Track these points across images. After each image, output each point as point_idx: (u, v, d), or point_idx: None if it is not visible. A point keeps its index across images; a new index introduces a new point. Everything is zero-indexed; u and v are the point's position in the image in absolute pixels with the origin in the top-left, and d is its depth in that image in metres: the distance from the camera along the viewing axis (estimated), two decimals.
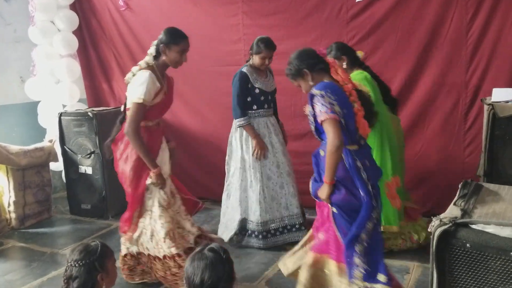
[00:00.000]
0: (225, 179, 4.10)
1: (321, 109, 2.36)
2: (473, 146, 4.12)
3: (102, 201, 4.87)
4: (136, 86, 2.95)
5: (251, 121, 3.90)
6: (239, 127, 3.89)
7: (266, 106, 3.95)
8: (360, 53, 3.58)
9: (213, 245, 1.97)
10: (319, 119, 2.39)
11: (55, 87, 5.38)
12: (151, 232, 3.14)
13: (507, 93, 3.47)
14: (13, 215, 4.65)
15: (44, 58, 5.24)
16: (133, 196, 3.11)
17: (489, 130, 3.41)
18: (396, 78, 4.28)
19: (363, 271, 2.41)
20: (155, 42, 3.07)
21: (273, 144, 3.94)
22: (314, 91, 2.42)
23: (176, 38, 3.02)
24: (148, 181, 3.08)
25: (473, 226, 1.78)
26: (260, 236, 3.88)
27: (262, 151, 3.85)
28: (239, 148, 3.94)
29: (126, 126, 2.98)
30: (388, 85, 3.81)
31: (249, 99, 3.87)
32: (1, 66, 5.26)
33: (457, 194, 2.07)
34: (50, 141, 5.01)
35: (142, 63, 3.05)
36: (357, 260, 2.43)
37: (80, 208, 4.98)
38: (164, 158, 3.19)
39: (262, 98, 3.91)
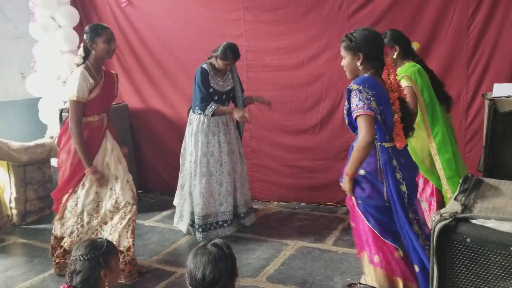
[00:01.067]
0: (179, 171, 4.29)
1: (357, 104, 2.33)
2: (474, 141, 4.12)
3: None
4: (70, 84, 3.19)
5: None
6: (213, 115, 4.02)
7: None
8: (415, 45, 3.39)
9: (216, 240, 1.96)
10: (354, 114, 2.36)
11: (56, 83, 5.37)
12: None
13: (508, 88, 3.45)
14: (14, 211, 4.66)
15: (45, 54, 5.23)
16: (62, 186, 3.38)
17: (490, 125, 3.38)
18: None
19: None
20: (82, 44, 3.28)
21: (220, 143, 4.10)
22: (352, 85, 2.38)
23: (97, 30, 3.22)
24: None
25: (474, 221, 1.78)
26: (200, 229, 4.08)
27: (244, 119, 4.05)
28: (190, 142, 4.13)
29: (69, 123, 3.22)
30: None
31: (211, 90, 4.04)
32: (2, 62, 5.26)
33: (457, 189, 2.06)
34: (51, 137, 5.02)
35: (73, 66, 3.29)
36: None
37: None
38: (102, 154, 3.37)
39: (216, 97, 4.06)
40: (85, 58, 3.26)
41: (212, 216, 4.13)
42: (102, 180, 3.31)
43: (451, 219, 1.78)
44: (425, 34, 4.14)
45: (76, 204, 3.37)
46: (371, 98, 2.32)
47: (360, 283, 1.64)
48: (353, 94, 2.37)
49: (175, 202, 4.36)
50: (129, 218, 3.33)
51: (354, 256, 3.60)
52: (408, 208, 2.45)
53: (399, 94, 2.49)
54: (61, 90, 5.34)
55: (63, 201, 3.42)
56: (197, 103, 4.04)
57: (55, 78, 5.38)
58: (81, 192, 3.34)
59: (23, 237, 4.38)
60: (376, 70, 2.48)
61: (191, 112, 4.19)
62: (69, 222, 3.42)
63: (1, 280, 3.52)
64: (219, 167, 4.09)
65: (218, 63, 4.03)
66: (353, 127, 2.49)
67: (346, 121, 2.54)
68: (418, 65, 3.25)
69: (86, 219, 3.38)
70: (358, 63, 2.46)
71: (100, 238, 2.26)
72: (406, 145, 2.59)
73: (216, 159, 4.08)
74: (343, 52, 2.53)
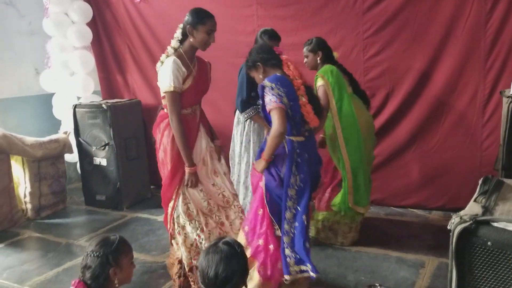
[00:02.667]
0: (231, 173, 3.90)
1: (270, 99, 2.59)
2: (491, 139, 4.05)
3: (117, 192, 4.90)
4: (164, 75, 2.86)
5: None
6: (247, 119, 3.73)
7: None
8: (335, 54, 3.80)
9: (227, 238, 1.96)
10: (268, 108, 2.62)
11: (70, 79, 5.40)
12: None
13: None
14: (29, 206, 4.70)
15: (58, 50, 5.26)
16: (169, 182, 2.96)
17: (508, 123, 3.33)
18: (412, 69, 4.21)
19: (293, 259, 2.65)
20: (181, 25, 2.94)
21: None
22: (266, 82, 2.64)
23: (203, 18, 2.89)
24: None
25: (495, 224, 1.74)
26: None
27: None
28: (239, 143, 3.85)
29: (170, 117, 2.87)
30: (401, 78, 4.01)
31: (253, 93, 3.62)
32: (17, 58, 5.29)
33: (477, 191, 2.03)
34: (65, 132, 5.05)
35: (169, 48, 2.97)
36: (287, 251, 2.66)
37: (94, 199, 5.03)
38: (199, 150, 3.03)
39: (253, 94, 3.69)
40: (182, 42, 2.94)
41: None
42: (197, 182, 2.95)
43: (471, 221, 1.75)
44: (442, 29, 4.07)
45: (188, 208, 2.96)
46: (283, 94, 2.60)
47: (380, 285, 1.62)
48: (266, 91, 2.62)
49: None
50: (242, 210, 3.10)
51: (367, 255, 3.58)
52: (291, 197, 2.69)
53: (301, 81, 2.78)
54: (74, 86, 5.38)
55: (169, 211, 3.00)
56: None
57: (69, 74, 5.41)
58: (187, 192, 2.96)
59: (38, 231, 4.42)
60: (280, 68, 2.76)
61: (237, 111, 3.86)
62: (187, 229, 2.98)
63: (16, 274, 3.56)
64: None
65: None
66: (268, 121, 2.72)
67: (261, 115, 2.84)
68: (333, 66, 3.62)
69: (203, 220, 2.96)
70: (261, 72, 2.78)
71: (114, 235, 2.20)
72: (315, 141, 2.97)
73: None
74: (250, 74, 2.89)
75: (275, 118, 2.57)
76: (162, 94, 2.93)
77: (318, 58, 3.69)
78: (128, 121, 5.01)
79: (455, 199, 4.17)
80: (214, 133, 3.22)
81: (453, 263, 1.78)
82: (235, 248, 1.91)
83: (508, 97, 3.34)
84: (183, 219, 2.95)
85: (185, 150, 2.87)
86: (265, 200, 2.74)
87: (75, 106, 4.97)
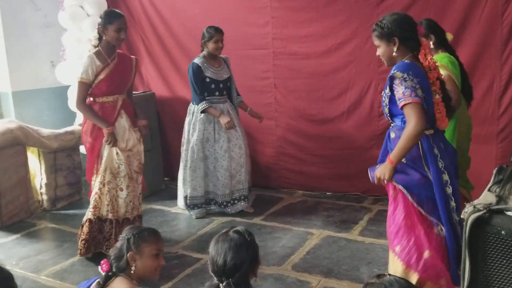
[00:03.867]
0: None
1: (404, 92, 2.28)
2: (506, 131, 4.00)
3: None
4: (80, 67, 3.40)
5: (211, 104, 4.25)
6: (202, 112, 4.20)
7: (217, 93, 4.28)
8: (449, 36, 3.38)
9: (238, 227, 1.97)
10: (401, 103, 2.31)
11: None
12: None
13: None
14: (45, 197, 4.77)
15: (74, 42, 5.28)
16: (89, 158, 3.57)
17: None
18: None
19: None
20: (97, 25, 3.42)
21: (216, 130, 4.30)
22: (396, 73, 2.33)
23: (110, 18, 3.35)
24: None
25: (509, 213, 1.73)
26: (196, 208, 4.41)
27: (230, 124, 4.19)
28: (186, 131, 4.38)
29: (75, 103, 3.46)
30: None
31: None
32: (32, 50, 5.36)
33: (491, 180, 2.01)
34: (80, 124, 5.09)
35: (90, 46, 3.51)
36: None
37: None
38: (121, 131, 3.51)
39: (213, 86, 4.22)
40: (100, 39, 3.43)
41: (211, 194, 4.45)
42: (115, 142, 3.45)
43: (485, 210, 1.73)
44: (457, 20, 4.01)
45: (100, 163, 3.49)
46: (417, 86, 2.29)
47: (389, 274, 1.61)
48: (397, 82, 2.32)
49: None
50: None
51: (381, 247, 3.56)
52: (449, 198, 2.40)
53: (437, 74, 2.46)
54: None
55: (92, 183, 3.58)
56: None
57: None
58: (104, 152, 3.48)
59: (53, 222, 4.48)
60: (413, 54, 2.43)
61: (190, 103, 4.41)
62: (95, 183, 3.53)
63: (32, 263, 3.62)
64: (213, 152, 4.32)
65: (210, 47, 4.20)
66: (392, 115, 2.46)
67: (386, 109, 2.49)
68: (452, 57, 3.23)
69: (108, 178, 3.50)
70: (395, 49, 2.40)
71: (146, 227, 2.24)
72: (443, 131, 2.56)
73: (220, 145, 4.30)
74: (376, 42, 2.48)
75: (412, 114, 2.26)
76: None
77: (431, 43, 3.24)
78: (142, 113, 5.01)
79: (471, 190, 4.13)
80: (137, 115, 3.72)
81: (467, 252, 1.77)
82: (245, 237, 1.91)
83: None
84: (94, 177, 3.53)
85: (96, 119, 3.41)
86: (413, 202, 2.40)
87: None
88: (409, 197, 2.39)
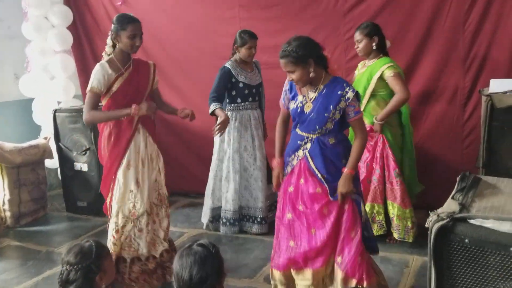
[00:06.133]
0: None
1: (359, 106, 2.55)
2: (472, 137, 4.09)
3: (98, 198, 4.80)
4: (91, 76, 3.07)
5: (234, 112, 4.04)
6: (212, 114, 3.85)
7: (250, 99, 4.07)
8: (388, 42, 3.60)
9: (202, 240, 1.95)
10: (358, 116, 2.53)
11: (50, 84, 5.32)
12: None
13: (505, 84, 3.44)
14: (8, 214, 4.60)
15: (38, 54, 5.17)
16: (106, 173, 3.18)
17: (487, 121, 3.38)
18: None
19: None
20: (110, 32, 3.09)
21: (253, 137, 4.08)
22: (354, 89, 2.51)
23: (123, 24, 3.01)
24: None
25: (472, 221, 1.75)
26: (229, 224, 4.12)
27: (223, 128, 3.79)
28: (217, 139, 4.11)
29: (84, 111, 3.06)
30: None
31: (233, 92, 4.00)
32: None
33: (455, 188, 2.03)
34: (45, 138, 4.97)
35: (103, 54, 3.14)
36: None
37: (76, 206, 4.94)
38: (136, 148, 3.15)
39: (246, 91, 4.03)
40: (114, 47, 3.09)
41: (245, 209, 4.16)
42: (151, 108, 3.07)
43: (448, 219, 1.75)
44: (421, 29, 4.10)
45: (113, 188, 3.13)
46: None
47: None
48: (355, 98, 2.52)
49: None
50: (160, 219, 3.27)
51: None
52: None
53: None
54: (54, 90, 5.30)
55: (108, 200, 3.18)
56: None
57: (49, 78, 5.33)
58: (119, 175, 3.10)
59: (17, 239, 4.32)
60: (325, 69, 2.57)
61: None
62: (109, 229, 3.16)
63: None
64: (252, 162, 4.08)
65: (242, 53, 3.99)
66: (335, 128, 2.58)
67: (330, 124, 2.56)
68: (392, 61, 3.49)
69: (121, 222, 3.12)
70: (311, 70, 2.49)
71: (88, 241, 2.16)
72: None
73: (250, 154, 4.07)
74: (290, 68, 2.49)
75: (363, 125, 2.60)
76: None
77: (374, 44, 3.48)
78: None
79: (437, 197, 4.17)
80: (174, 110, 3.39)
81: (432, 260, 1.78)
82: (209, 249, 1.89)
83: (487, 95, 3.38)
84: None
85: (115, 112, 3.02)
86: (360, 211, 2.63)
87: (55, 111, 4.89)
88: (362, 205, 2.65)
